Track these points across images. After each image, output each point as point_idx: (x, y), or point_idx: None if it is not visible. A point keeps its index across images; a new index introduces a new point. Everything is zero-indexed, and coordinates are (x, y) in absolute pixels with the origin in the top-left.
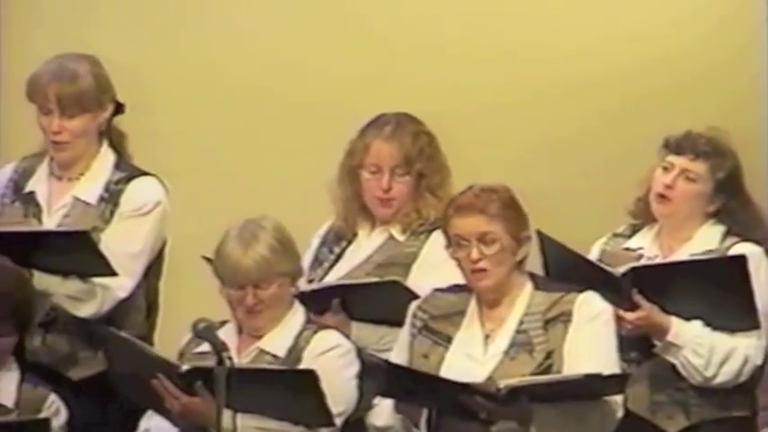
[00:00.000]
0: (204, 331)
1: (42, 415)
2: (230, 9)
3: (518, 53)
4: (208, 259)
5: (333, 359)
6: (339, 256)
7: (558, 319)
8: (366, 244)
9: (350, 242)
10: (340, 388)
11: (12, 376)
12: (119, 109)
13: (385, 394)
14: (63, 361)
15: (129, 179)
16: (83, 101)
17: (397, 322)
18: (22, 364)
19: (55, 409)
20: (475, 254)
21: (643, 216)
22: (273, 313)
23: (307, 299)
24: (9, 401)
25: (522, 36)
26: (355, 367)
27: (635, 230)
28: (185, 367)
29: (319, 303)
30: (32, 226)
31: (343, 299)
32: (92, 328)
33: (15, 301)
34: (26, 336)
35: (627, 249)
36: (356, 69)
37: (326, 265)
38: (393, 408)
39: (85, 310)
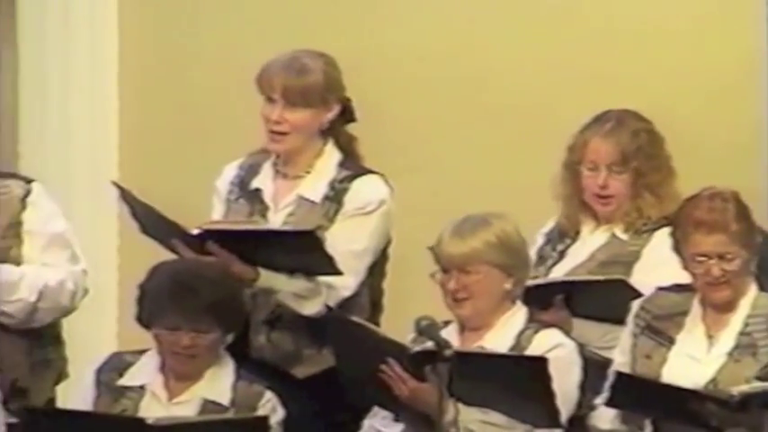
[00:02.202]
0: (427, 329)
1: (259, 413)
2: (448, 6)
3: None
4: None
5: (555, 358)
6: (562, 254)
7: None
8: (589, 242)
9: (573, 240)
10: (563, 387)
11: (226, 374)
12: (349, 115)
13: (612, 404)
14: (287, 358)
15: (353, 178)
16: (307, 95)
17: (619, 320)
18: (240, 361)
19: (271, 406)
20: (716, 271)
21: None
22: (479, 304)
23: (530, 294)
24: (225, 399)
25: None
26: (578, 366)
27: None
28: (416, 349)
29: (543, 299)
30: (259, 224)
31: (567, 295)
32: (322, 316)
33: (213, 297)
34: (251, 333)
35: None
36: (582, 64)
37: (550, 262)
38: (618, 418)
39: (310, 309)
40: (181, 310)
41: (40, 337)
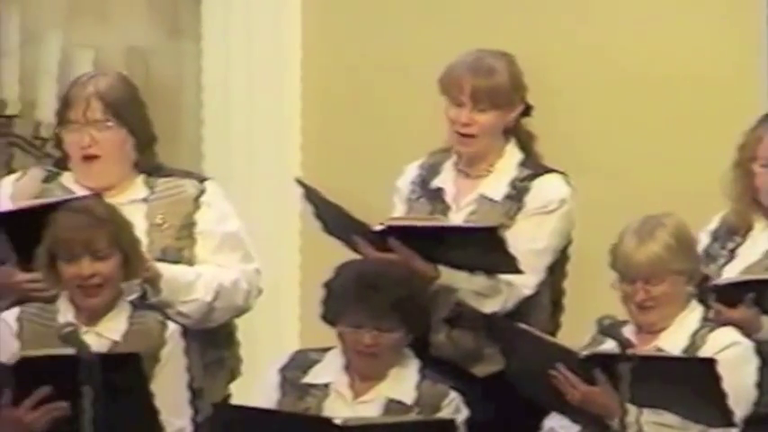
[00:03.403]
0: (609, 328)
1: (442, 413)
2: (632, 6)
3: None
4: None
5: (730, 358)
6: (733, 253)
7: None
8: (761, 240)
9: (743, 238)
10: (737, 386)
11: (411, 373)
12: (527, 110)
13: None
14: (467, 357)
15: (534, 177)
16: (495, 97)
17: None
18: (424, 360)
19: (454, 406)
20: None
21: None
22: (665, 311)
23: (720, 292)
24: (409, 399)
25: None
26: (753, 365)
27: None
28: (584, 353)
29: (733, 297)
30: (441, 221)
31: (758, 293)
32: (490, 322)
33: (397, 295)
34: (431, 331)
35: None
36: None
37: (721, 261)
38: None
39: (491, 307)
40: (364, 309)
41: (213, 338)
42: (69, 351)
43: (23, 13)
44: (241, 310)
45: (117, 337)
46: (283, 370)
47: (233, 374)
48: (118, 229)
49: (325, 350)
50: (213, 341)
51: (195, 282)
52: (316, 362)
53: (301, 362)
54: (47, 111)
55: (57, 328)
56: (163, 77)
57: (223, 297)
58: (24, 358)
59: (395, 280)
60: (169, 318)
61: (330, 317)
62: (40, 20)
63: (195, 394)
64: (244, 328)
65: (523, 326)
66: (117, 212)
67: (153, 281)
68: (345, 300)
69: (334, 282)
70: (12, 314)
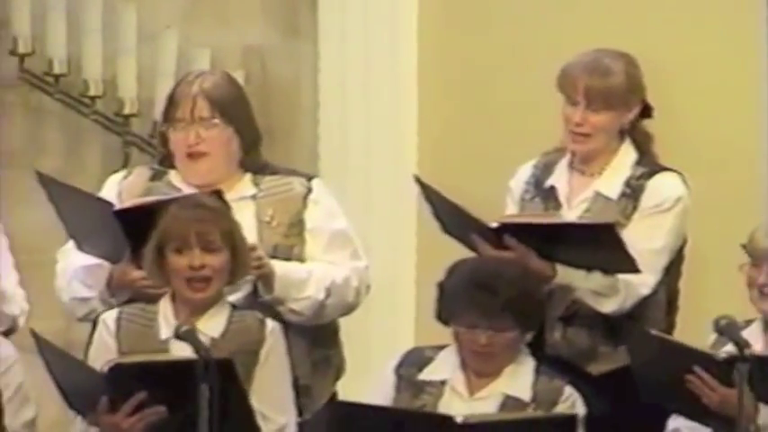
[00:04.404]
0: (727, 328)
1: (559, 408)
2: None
3: None
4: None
5: None
6: None
7: None
8: None
9: None
10: None
11: (526, 370)
12: (646, 111)
13: None
14: (582, 355)
15: (650, 175)
16: (610, 98)
17: None
18: (537, 357)
19: (571, 402)
20: None
21: None
22: None
23: None
24: (525, 395)
25: None
26: None
27: None
28: (722, 355)
29: None
30: (557, 217)
31: None
32: (614, 323)
33: (511, 296)
34: (546, 329)
35: None
36: None
37: None
38: None
39: (608, 306)
40: (479, 309)
41: (320, 336)
42: (189, 356)
43: (141, 13)
44: (351, 308)
45: (216, 334)
46: (398, 367)
47: (338, 373)
48: (230, 224)
49: (440, 347)
50: (320, 339)
51: (307, 279)
52: (430, 359)
53: (416, 359)
54: None
55: (174, 327)
56: (279, 77)
57: (335, 294)
58: (147, 362)
59: (508, 280)
60: (281, 315)
61: (444, 316)
62: (158, 19)
63: (302, 392)
64: (359, 327)
65: (654, 331)
66: (228, 209)
67: (267, 278)
68: (459, 300)
69: (448, 281)
70: (112, 315)
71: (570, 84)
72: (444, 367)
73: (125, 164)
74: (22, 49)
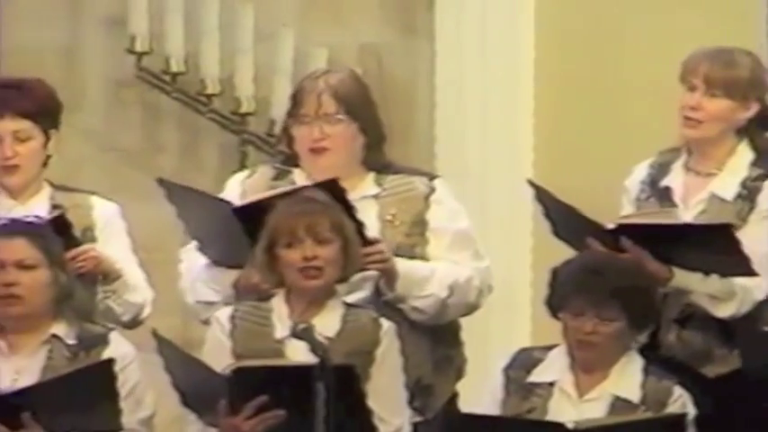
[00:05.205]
0: None
1: (668, 410)
2: None
3: None
4: None
5: None
6: None
7: None
8: None
9: None
10: None
11: (635, 370)
12: (765, 120)
13: None
14: (697, 357)
15: (766, 176)
16: (729, 86)
17: None
18: (653, 360)
19: (681, 403)
20: None
21: None
22: None
23: None
24: (634, 397)
25: None
26: None
27: None
28: None
29: None
30: (673, 218)
31: None
32: (729, 325)
33: (619, 283)
34: (661, 331)
35: None
36: None
37: None
38: None
39: (725, 311)
40: (586, 295)
41: (442, 335)
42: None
43: (258, 12)
44: (472, 308)
45: (331, 333)
46: (507, 369)
47: (459, 372)
48: (339, 216)
49: (549, 348)
50: (442, 339)
51: (430, 277)
52: (539, 360)
53: (525, 361)
54: (281, 109)
55: (291, 326)
56: (396, 76)
57: (457, 293)
58: (272, 367)
59: (619, 269)
60: (404, 313)
61: (554, 302)
62: (275, 18)
63: (424, 391)
64: (475, 328)
65: None
66: (342, 198)
67: (389, 275)
68: (569, 285)
69: (562, 268)
70: (225, 313)
71: (691, 69)
72: (553, 368)
73: (242, 162)
74: (139, 48)
